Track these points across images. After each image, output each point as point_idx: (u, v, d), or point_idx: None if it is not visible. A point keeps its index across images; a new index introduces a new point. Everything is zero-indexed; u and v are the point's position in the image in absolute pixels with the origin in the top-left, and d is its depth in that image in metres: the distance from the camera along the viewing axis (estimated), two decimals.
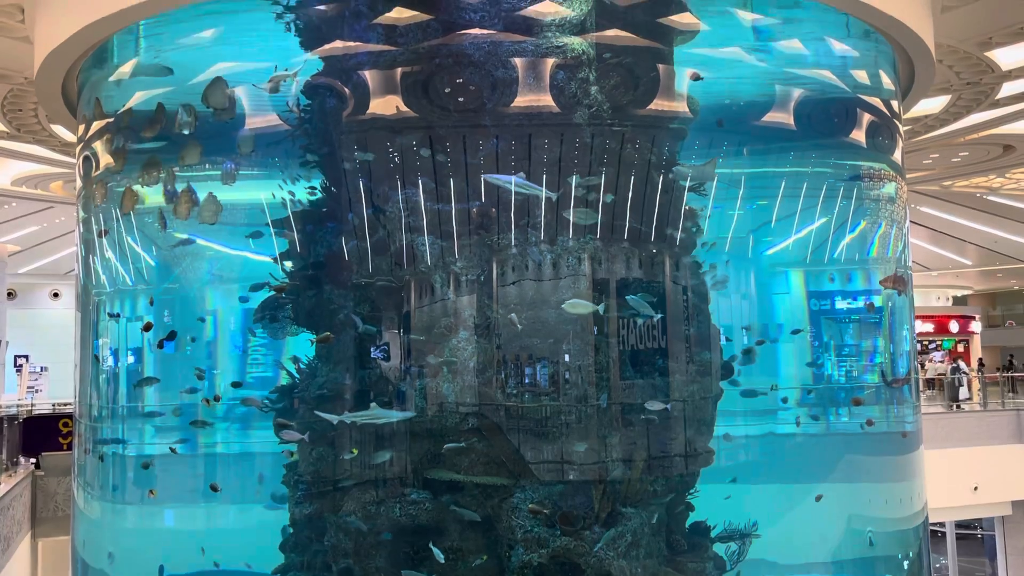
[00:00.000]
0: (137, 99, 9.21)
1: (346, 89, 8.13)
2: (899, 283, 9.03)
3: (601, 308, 7.57)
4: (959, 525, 26.73)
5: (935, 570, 25.14)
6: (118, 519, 9.55)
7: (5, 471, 14.11)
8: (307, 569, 8.27)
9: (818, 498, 8.38)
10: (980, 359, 41.64)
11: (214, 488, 8.54)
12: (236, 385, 8.69)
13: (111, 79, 9.33)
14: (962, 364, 28.24)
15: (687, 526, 8.58)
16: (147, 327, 8.81)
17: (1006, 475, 20.83)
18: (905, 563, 9.61)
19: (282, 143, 8.52)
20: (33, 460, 15.38)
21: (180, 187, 8.50)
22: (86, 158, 9.83)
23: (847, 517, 9.16)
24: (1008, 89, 14.51)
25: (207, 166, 8.77)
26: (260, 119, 8.52)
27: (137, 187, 8.85)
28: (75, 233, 10.49)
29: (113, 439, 9.61)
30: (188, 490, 8.94)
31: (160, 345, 8.68)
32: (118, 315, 9.31)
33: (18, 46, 11.09)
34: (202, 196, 8.43)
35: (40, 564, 14.72)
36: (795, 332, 9.10)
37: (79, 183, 10.20)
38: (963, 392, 24.06)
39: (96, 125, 9.56)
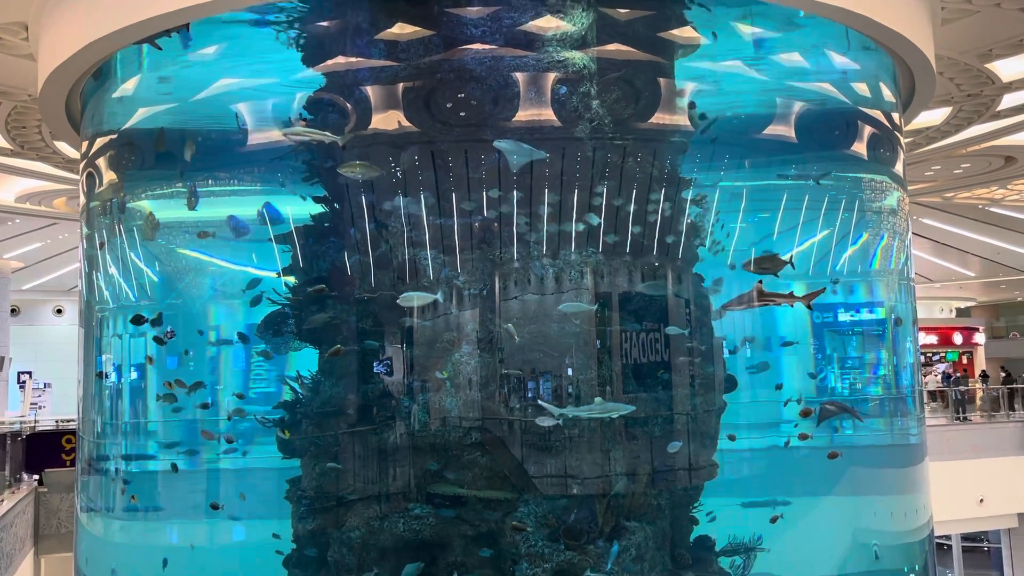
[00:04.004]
0: (140, 116, 9.27)
1: (348, 104, 8.17)
2: (768, 264, 8.37)
3: (439, 296, 7.55)
4: (965, 538, 26.57)
5: None
6: (121, 535, 9.53)
7: (8, 488, 14.09)
8: None
9: (774, 519, 8.28)
10: (983, 371, 41.49)
11: (215, 507, 8.52)
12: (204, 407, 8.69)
13: (114, 96, 9.38)
14: None
15: (691, 540, 8.54)
16: (170, 335, 8.86)
17: (1012, 487, 20.75)
18: None
19: (285, 158, 8.56)
20: (36, 477, 15.36)
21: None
22: (89, 174, 9.87)
23: (852, 530, 9.12)
24: (1009, 100, 14.53)
25: (210, 182, 8.81)
26: (263, 135, 8.56)
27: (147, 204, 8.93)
28: (78, 249, 10.52)
29: (115, 455, 9.60)
30: (191, 506, 8.92)
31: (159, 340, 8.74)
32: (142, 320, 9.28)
33: (22, 63, 11.15)
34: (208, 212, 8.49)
35: None
36: (785, 344, 9.03)
37: (82, 199, 10.24)
38: None
39: (99, 141, 9.62)
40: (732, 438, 8.41)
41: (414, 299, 7.54)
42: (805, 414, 8.61)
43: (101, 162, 9.62)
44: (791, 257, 8.20)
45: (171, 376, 9.01)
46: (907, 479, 9.68)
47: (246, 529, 8.90)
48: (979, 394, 26.50)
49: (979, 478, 20.02)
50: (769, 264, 8.15)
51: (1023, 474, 20.83)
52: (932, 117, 15.27)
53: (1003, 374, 33.65)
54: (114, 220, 9.32)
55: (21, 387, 31.87)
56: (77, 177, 10.66)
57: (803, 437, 8.58)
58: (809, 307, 8.28)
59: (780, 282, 9.06)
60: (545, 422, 7.47)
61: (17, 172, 17.93)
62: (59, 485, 14.76)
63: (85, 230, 10.05)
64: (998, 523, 22.78)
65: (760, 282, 8.16)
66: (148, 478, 9.29)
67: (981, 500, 19.96)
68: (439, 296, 7.58)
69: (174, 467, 8.78)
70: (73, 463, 13.00)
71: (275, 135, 8.51)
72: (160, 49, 8.32)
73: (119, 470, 9.52)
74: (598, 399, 7.50)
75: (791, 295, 8.29)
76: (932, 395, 27.12)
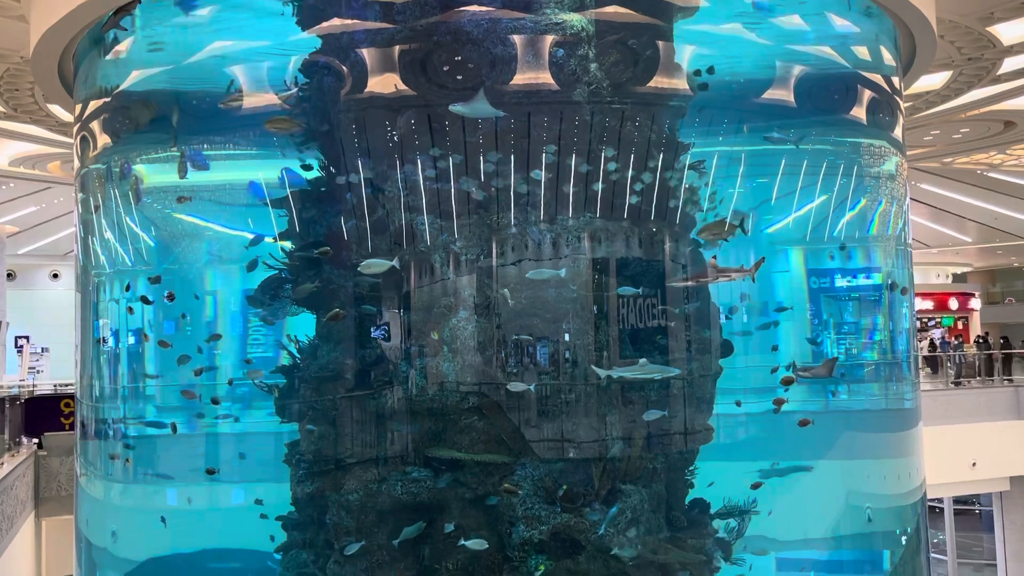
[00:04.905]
0: (133, 79, 9.18)
1: (344, 67, 8.09)
2: (718, 229, 8.07)
3: (396, 262, 7.57)
4: (957, 501, 26.88)
5: (933, 545, 25.32)
6: (120, 498, 9.61)
7: (8, 451, 14.17)
8: (309, 547, 8.32)
9: (755, 486, 8.33)
10: (978, 336, 41.68)
11: (211, 472, 8.57)
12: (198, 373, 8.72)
13: (107, 58, 9.28)
14: None
15: (686, 503, 8.62)
16: (170, 297, 8.88)
17: (1004, 451, 20.92)
18: (903, 538, 9.68)
19: None
20: (36, 440, 15.44)
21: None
22: (83, 138, 9.80)
23: (845, 494, 9.21)
24: (1009, 64, 14.44)
25: (206, 146, 8.75)
26: (257, 98, 8.48)
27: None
28: (74, 214, 10.48)
29: (113, 419, 9.65)
30: (189, 469, 8.98)
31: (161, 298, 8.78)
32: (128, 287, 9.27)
33: (14, 25, 11.03)
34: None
35: (44, 543, 14.82)
36: (779, 310, 9.03)
37: (76, 163, 10.17)
38: None
39: (93, 105, 9.53)
40: (739, 404, 8.46)
41: (373, 266, 7.59)
42: (787, 382, 8.55)
43: (95, 125, 9.54)
44: (742, 221, 8.19)
45: (166, 337, 9.06)
46: (901, 443, 9.76)
47: (245, 493, 8.97)
48: (968, 357, 26.65)
49: (972, 442, 20.18)
50: (719, 229, 8.15)
51: (1015, 438, 21.00)
52: (932, 81, 15.17)
53: (980, 339, 33.80)
54: (108, 184, 9.27)
55: (19, 351, 31.90)
56: (71, 141, 10.58)
57: (779, 402, 8.57)
58: (752, 278, 8.22)
59: (780, 246, 9.07)
60: (517, 387, 7.54)
61: (10, 135, 17.81)
62: (58, 449, 14.85)
63: (80, 194, 10.00)
64: (990, 486, 23.02)
65: (715, 257, 8.15)
66: (146, 442, 9.34)
67: (974, 464, 20.15)
68: (396, 263, 7.60)
69: (173, 428, 8.81)
70: (72, 427, 13.06)
71: (271, 99, 8.44)
72: (125, 30, 8.28)
73: (117, 434, 9.57)
74: (643, 360, 7.59)
75: (741, 268, 8.27)
76: (927, 360, 27.25)
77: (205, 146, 8.70)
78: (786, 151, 9.14)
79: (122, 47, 9.18)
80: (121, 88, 9.19)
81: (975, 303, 49.37)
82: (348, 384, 8.08)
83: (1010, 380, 23.55)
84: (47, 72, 10.28)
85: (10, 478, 12.23)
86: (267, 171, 8.68)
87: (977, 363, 24.85)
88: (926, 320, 46.66)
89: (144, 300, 8.93)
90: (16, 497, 12.76)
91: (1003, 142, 21.16)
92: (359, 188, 8.10)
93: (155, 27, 8.91)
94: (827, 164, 9.22)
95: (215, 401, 8.66)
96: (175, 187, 8.76)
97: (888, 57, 9.82)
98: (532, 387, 7.60)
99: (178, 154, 8.58)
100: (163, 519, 8.82)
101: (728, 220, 8.18)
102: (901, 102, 10.37)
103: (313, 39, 8.27)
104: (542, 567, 7.40)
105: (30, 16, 9.87)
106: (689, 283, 8.15)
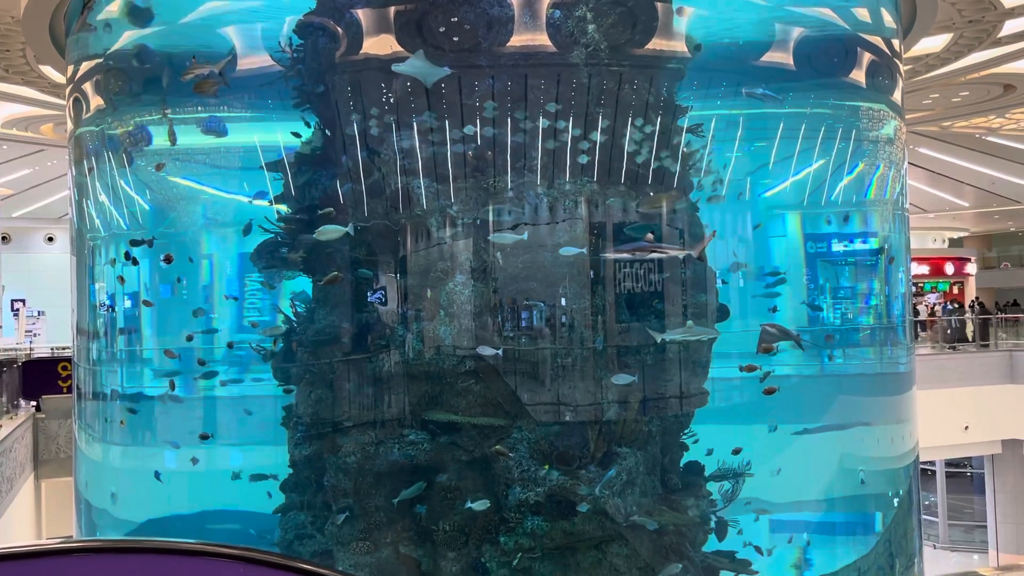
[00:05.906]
0: (125, 39, 9.07)
1: (339, 28, 7.99)
2: (657, 203, 8.13)
3: (350, 228, 7.58)
4: (949, 464, 27.15)
5: (924, 507, 25.62)
6: (121, 460, 9.67)
7: (6, 414, 14.22)
8: (307, 509, 8.39)
9: (737, 451, 8.38)
10: (973, 301, 41.77)
11: (204, 437, 8.62)
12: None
13: (98, 18, 9.16)
14: None
15: (681, 465, 8.69)
16: (167, 259, 8.86)
17: (996, 415, 21.08)
18: (895, 500, 9.79)
19: (275, 84, 8.40)
20: (34, 403, 15.49)
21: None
22: (76, 100, 9.71)
23: (839, 456, 9.29)
24: (1010, 27, 14.30)
25: (199, 108, 8.68)
26: (252, 59, 8.39)
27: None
28: (67, 176, 10.42)
29: (111, 381, 9.68)
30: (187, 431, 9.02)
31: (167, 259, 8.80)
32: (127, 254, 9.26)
33: None
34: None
35: (43, 504, 14.95)
36: (775, 274, 9.00)
37: (70, 126, 10.08)
38: None
39: (85, 66, 9.43)
40: (741, 368, 8.47)
41: (328, 231, 7.62)
42: (765, 351, 8.47)
43: (87, 87, 9.45)
44: (684, 191, 8.19)
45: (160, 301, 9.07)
46: (895, 406, 9.82)
47: (243, 455, 9.03)
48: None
49: (965, 406, 20.32)
50: (659, 202, 8.14)
51: (1007, 402, 21.15)
52: (932, 44, 15.04)
53: (956, 305, 33.78)
54: (101, 146, 9.20)
55: (15, 314, 31.89)
56: (63, 102, 10.48)
57: (750, 369, 8.33)
58: (701, 257, 8.14)
59: (777, 211, 9.04)
60: (486, 351, 7.55)
61: (3, 97, 17.64)
62: (57, 411, 14.90)
63: (73, 157, 9.93)
64: (982, 449, 23.23)
65: (651, 232, 8.08)
66: (144, 405, 9.37)
67: (966, 427, 20.30)
68: (350, 229, 7.60)
69: (172, 385, 8.83)
70: (70, 390, 13.11)
71: (265, 60, 8.34)
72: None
73: (114, 396, 9.60)
74: (689, 322, 7.79)
75: (682, 246, 8.24)
76: (923, 325, 27.32)
77: (199, 108, 8.62)
78: (783, 115, 9.09)
79: (113, 7, 9.06)
80: (113, 49, 9.08)
81: (971, 268, 49.40)
82: (345, 348, 8.10)
83: (987, 345, 23.72)
84: (38, 32, 10.15)
85: (9, 440, 12.29)
86: (262, 134, 8.62)
87: (953, 327, 24.96)
88: (922, 285, 46.70)
89: (134, 261, 8.91)
90: (15, 459, 12.84)
91: (1002, 106, 21.04)
92: (355, 151, 8.04)
93: None
94: (825, 128, 9.16)
95: (201, 363, 8.68)
96: (168, 150, 8.70)
97: (888, 19, 9.72)
98: (500, 351, 7.64)
99: (169, 116, 8.51)
100: (157, 474, 8.87)
101: (673, 192, 8.20)
102: (901, 65, 10.29)
103: None
104: (521, 553, 7.49)
105: None
106: (626, 255, 8.00)
